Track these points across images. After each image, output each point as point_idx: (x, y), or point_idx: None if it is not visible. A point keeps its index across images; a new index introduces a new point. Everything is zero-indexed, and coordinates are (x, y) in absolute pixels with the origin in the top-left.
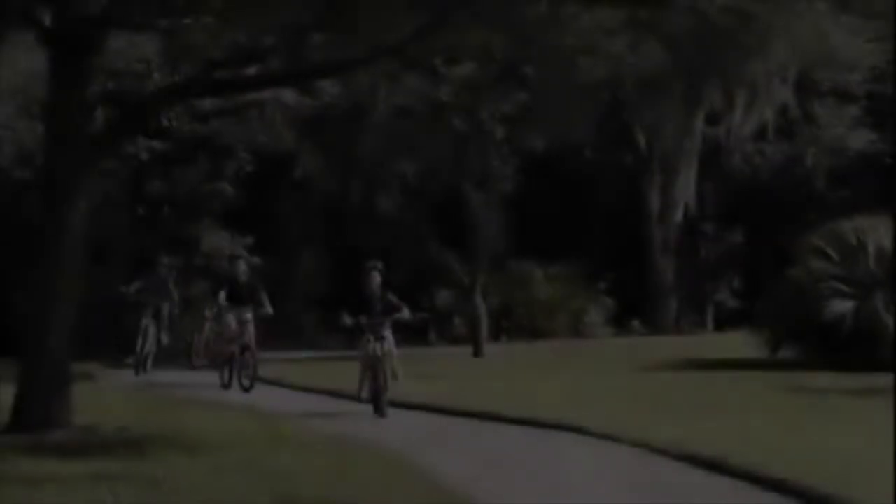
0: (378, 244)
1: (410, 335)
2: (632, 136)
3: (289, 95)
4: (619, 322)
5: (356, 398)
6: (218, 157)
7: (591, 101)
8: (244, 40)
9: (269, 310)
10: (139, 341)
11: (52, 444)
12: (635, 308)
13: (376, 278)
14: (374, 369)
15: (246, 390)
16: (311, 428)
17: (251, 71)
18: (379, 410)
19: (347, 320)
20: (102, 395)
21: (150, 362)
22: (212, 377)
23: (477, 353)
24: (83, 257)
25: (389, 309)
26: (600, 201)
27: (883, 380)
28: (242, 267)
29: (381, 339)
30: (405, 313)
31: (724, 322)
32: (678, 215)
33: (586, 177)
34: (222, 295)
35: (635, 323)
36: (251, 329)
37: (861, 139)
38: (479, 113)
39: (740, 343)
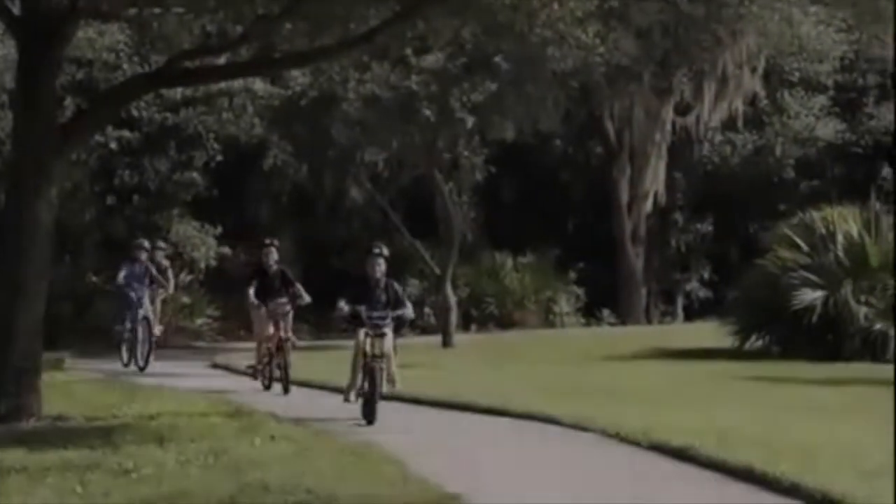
0: (348, 234)
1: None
2: (602, 126)
3: (258, 85)
4: (589, 312)
5: (343, 396)
6: (187, 147)
7: (561, 91)
8: (214, 29)
9: (307, 298)
10: (132, 332)
11: (21, 433)
12: (605, 298)
13: (381, 265)
14: (369, 369)
15: (285, 392)
16: (280, 417)
17: (221, 60)
18: (368, 416)
19: (344, 309)
20: (72, 385)
21: (152, 356)
22: (184, 367)
23: (447, 342)
24: (52, 247)
25: (396, 302)
26: (570, 191)
27: (850, 369)
28: (274, 256)
29: (381, 335)
30: (409, 311)
31: (694, 312)
32: (648, 205)
33: (556, 167)
34: (251, 291)
35: (605, 313)
36: (289, 322)
37: (830, 129)
38: (449, 103)
39: (710, 333)
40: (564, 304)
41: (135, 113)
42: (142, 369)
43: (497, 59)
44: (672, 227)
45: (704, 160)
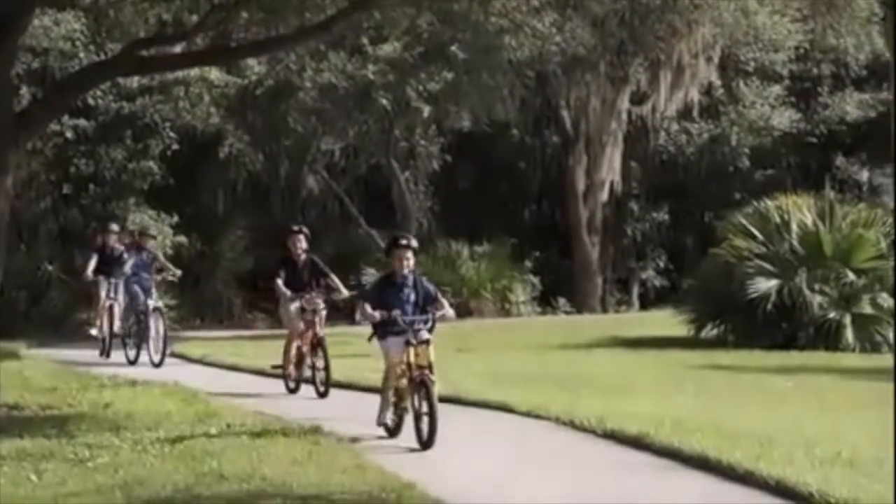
0: (304, 222)
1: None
2: (558, 115)
3: (214, 74)
4: (545, 301)
5: (377, 419)
6: (143, 136)
7: (517, 80)
8: (169, 18)
9: (345, 291)
10: (140, 325)
11: None
12: (561, 287)
13: (410, 259)
14: (419, 384)
15: (322, 396)
16: (236, 406)
17: (177, 49)
18: (428, 439)
19: (376, 316)
20: (27, 374)
21: (168, 350)
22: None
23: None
24: (7, 236)
25: (427, 300)
26: (526, 180)
27: (804, 358)
28: (303, 244)
29: (424, 342)
30: (450, 311)
31: (650, 301)
32: (604, 194)
33: (512, 156)
34: (280, 282)
35: (561, 301)
36: (323, 318)
37: (785, 118)
38: (406, 92)
39: (665, 321)
40: (520, 293)
41: (91, 102)
42: (157, 366)
43: (453, 48)
44: (628, 216)
45: (660, 149)
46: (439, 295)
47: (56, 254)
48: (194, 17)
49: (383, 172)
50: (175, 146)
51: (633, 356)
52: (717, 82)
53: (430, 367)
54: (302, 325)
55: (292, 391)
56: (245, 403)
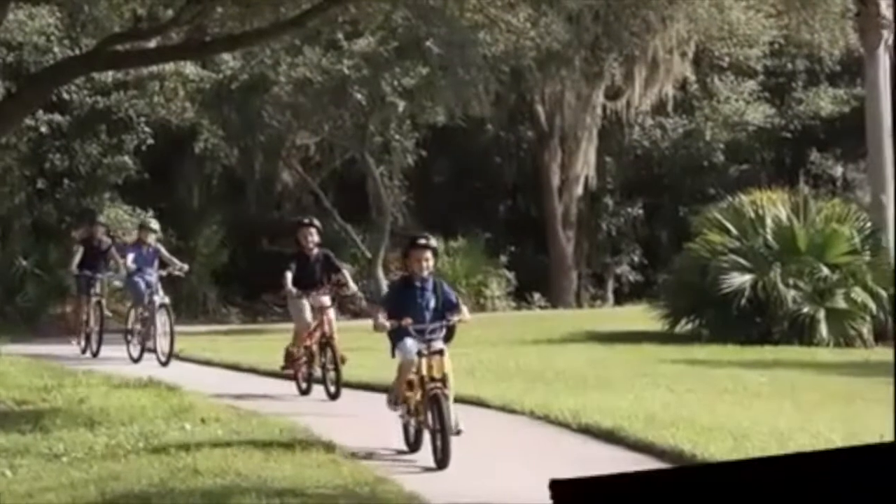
0: (279, 217)
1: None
2: (532, 110)
3: (190, 68)
4: (520, 296)
5: (388, 403)
6: (118, 131)
7: (492, 75)
8: (144, 13)
9: (354, 287)
10: (145, 322)
11: None
12: (536, 281)
13: (430, 261)
14: (431, 399)
15: (333, 397)
16: (211, 401)
17: (151, 44)
18: (442, 458)
19: (386, 325)
20: (1, 369)
21: (175, 347)
22: (116, 351)
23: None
24: None
25: (445, 306)
26: (501, 175)
27: (778, 352)
28: (314, 237)
29: (437, 352)
30: (466, 313)
31: (624, 295)
32: (579, 189)
33: (487, 151)
34: (289, 276)
35: (536, 296)
36: (332, 316)
37: (759, 114)
38: (381, 86)
39: (640, 316)
40: (495, 288)
41: (65, 96)
42: (164, 364)
43: (428, 43)
44: (603, 211)
45: (635, 144)
46: (460, 302)
47: (30, 249)
48: (169, 12)
49: (358, 167)
50: (150, 141)
51: (607, 351)
52: (692, 77)
53: (444, 380)
54: (311, 324)
55: (304, 392)
56: (221, 398)
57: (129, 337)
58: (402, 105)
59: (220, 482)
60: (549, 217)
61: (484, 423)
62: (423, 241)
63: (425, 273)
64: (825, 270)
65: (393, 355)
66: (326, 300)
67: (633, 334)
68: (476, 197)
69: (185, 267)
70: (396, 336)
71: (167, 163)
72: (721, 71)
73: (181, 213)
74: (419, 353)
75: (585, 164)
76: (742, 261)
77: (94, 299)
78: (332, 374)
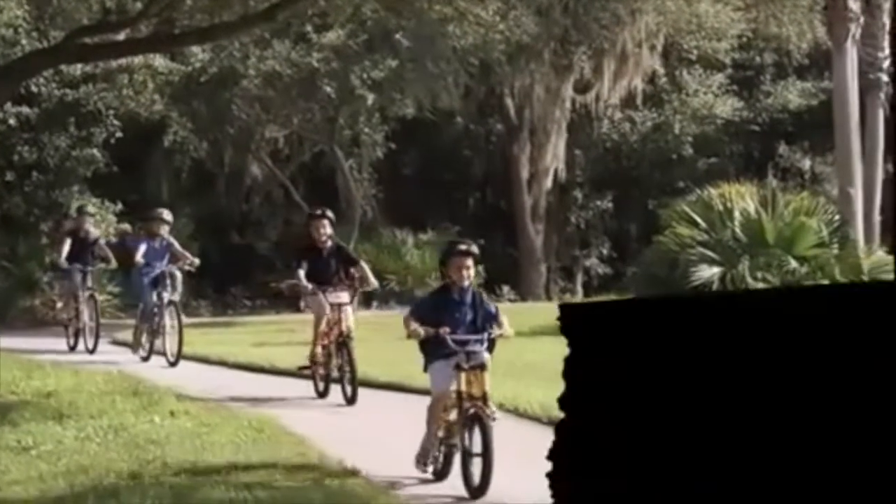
0: (248, 210)
1: (279, 303)
2: (502, 103)
3: (159, 61)
4: (490, 288)
5: (416, 461)
6: (87, 123)
7: (461, 68)
8: (113, 5)
9: (374, 282)
10: (153, 319)
11: None
12: (505, 274)
13: (471, 269)
14: (472, 419)
15: (349, 401)
16: (180, 394)
17: (120, 36)
18: (481, 486)
19: (420, 332)
20: None
21: (183, 347)
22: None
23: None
24: None
25: (485, 318)
26: (470, 168)
27: None
28: (327, 230)
29: (479, 366)
30: (508, 328)
31: (594, 288)
32: (548, 182)
33: (456, 144)
34: (301, 273)
35: (505, 289)
36: (350, 314)
37: (727, 107)
38: (350, 79)
39: None
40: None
41: (34, 89)
42: (172, 364)
43: (397, 36)
44: (572, 204)
45: (604, 137)
46: (500, 315)
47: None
48: (138, 5)
49: (327, 160)
50: (119, 134)
51: None
52: (661, 71)
53: (484, 398)
54: (329, 321)
55: (321, 394)
56: (190, 390)
57: (140, 334)
58: (371, 98)
59: (190, 475)
60: (519, 210)
61: None
62: (463, 248)
63: (466, 283)
64: (793, 263)
65: (425, 369)
66: (345, 297)
67: None
68: (445, 190)
69: (197, 261)
70: (432, 347)
71: (136, 156)
72: (690, 64)
73: (150, 206)
74: (457, 367)
75: (555, 157)
76: (711, 254)
77: (86, 293)
78: (348, 377)
